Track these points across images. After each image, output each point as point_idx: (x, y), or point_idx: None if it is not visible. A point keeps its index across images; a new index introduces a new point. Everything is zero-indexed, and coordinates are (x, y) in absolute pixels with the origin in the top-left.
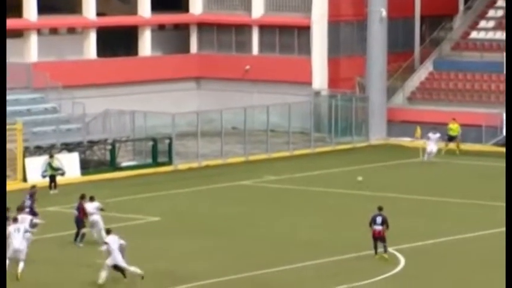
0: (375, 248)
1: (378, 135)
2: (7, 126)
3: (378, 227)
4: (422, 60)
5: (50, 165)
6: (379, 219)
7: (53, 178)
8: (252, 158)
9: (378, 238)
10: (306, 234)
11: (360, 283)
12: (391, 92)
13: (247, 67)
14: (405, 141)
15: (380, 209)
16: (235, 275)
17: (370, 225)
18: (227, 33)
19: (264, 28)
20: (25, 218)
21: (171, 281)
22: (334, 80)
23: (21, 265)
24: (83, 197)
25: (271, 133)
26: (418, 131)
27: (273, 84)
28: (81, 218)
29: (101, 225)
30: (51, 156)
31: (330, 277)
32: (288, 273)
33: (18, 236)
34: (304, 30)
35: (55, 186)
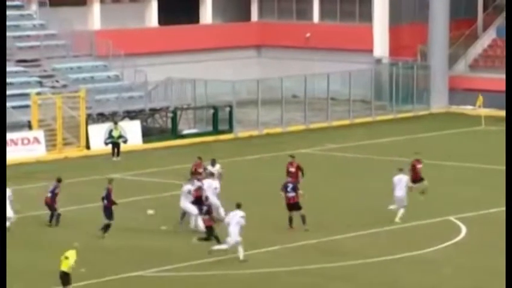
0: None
1: (439, 104)
2: (71, 94)
3: (291, 194)
4: (485, 27)
5: (109, 133)
6: (290, 186)
7: (115, 145)
8: (312, 126)
9: (293, 205)
10: (368, 201)
11: (422, 251)
12: (453, 59)
13: (308, 35)
14: (467, 109)
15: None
16: (301, 242)
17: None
18: (288, 1)
19: None
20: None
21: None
22: (395, 48)
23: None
24: (110, 182)
25: (332, 101)
26: (480, 99)
27: (333, 52)
28: (110, 206)
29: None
30: (116, 123)
31: (391, 245)
32: (355, 240)
33: None
34: None
35: (118, 154)
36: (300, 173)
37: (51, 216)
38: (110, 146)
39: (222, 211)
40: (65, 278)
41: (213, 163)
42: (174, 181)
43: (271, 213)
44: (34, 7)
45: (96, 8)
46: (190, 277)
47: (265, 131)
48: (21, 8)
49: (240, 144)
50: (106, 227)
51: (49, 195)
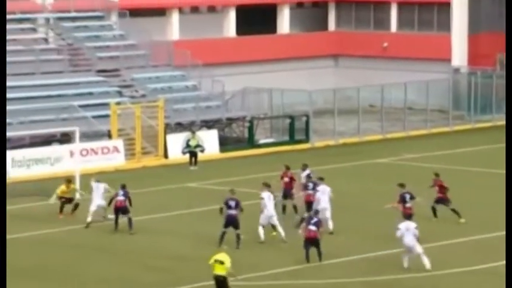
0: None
1: None
2: (149, 104)
3: (313, 228)
4: None
5: (187, 142)
6: (314, 220)
7: (193, 154)
8: (389, 135)
9: (312, 241)
10: (444, 211)
11: (497, 263)
12: None
13: (385, 44)
14: None
15: (316, 212)
16: (373, 253)
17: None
18: (365, 10)
19: (403, 5)
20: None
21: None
22: (474, 57)
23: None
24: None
25: (409, 111)
26: None
27: (411, 61)
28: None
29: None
30: (193, 133)
31: (465, 256)
32: (429, 251)
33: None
34: (444, 6)
35: (195, 163)
36: (294, 184)
37: (116, 221)
38: (187, 155)
39: (330, 223)
40: (224, 282)
41: (304, 168)
42: (250, 190)
43: (348, 223)
44: (114, 18)
45: (175, 18)
46: (266, 286)
47: (341, 141)
48: (101, 19)
49: (317, 154)
50: (237, 237)
51: (121, 198)
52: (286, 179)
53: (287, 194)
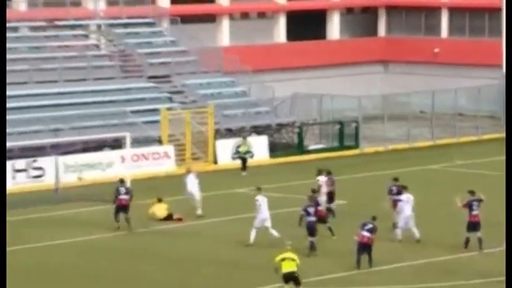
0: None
1: None
2: (199, 109)
3: (367, 234)
4: None
5: (237, 148)
6: (368, 226)
7: (243, 160)
8: (439, 142)
9: (365, 247)
10: (495, 217)
11: None
12: None
13: (436, 50)
14: None
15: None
16: (426, 260)
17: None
18: (416, 16)
19: (454, 11)
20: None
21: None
22: None
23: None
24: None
25: (459, 117)
26: None
27: (461, 67)
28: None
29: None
30: (244, 139)
31: None
32: (483, 258)
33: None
34: (495, 13)
35: (245, 169)
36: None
37: (116, 215)
38: (237, 161)
39: (415, 231)
40: (297, 278)
41: (319, 173)
42: (301, 196)
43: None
44: (165, 24)
45: (225, 24)
46: None
47: (391, 147)
48: (152, 25)
49: (366, 160)
50: (310, 245)
51: (125, 197)
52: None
53: (328, 198)
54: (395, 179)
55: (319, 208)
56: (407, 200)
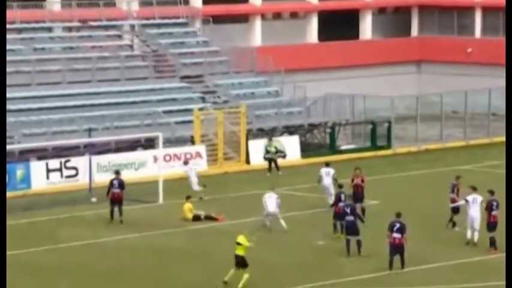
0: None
1: None
2: (232, 110)
3: (342, 204)
4: None
5: (266, 148)
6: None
7: (271, 161)
8: (472, 142)
9: (397, 248)
10: None
11: None
12: None
13: (469, 50)
14: None
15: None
16: (464, 259)
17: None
18: (449, 16)
19: (487, 10)
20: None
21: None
22: None
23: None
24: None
25: (493, 117)
26: None
27: (495, 67)
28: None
29: None
30: (270, 139)
31: None
32: None
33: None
34: None
35: (277, 168)
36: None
37: (112, 212)
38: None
39: (476, 235)
40: (240, 261)
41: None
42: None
43: (431, 230)
44: (198, 24)
45: (257, 24)
46: None
47: (424, 147)
48: (185, 25)
49: (398, 161)
50: (358, 244)
51: (117, 190)
52: (358, 181)
53: (357, 196)
54: (458, 177)
55: (340, 204)
56: (473, 200)
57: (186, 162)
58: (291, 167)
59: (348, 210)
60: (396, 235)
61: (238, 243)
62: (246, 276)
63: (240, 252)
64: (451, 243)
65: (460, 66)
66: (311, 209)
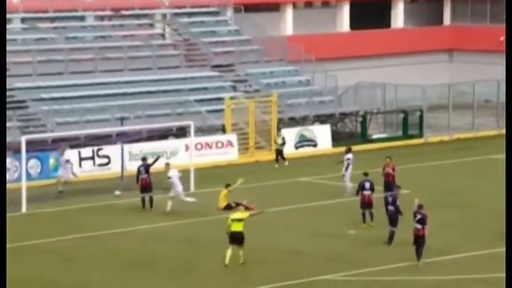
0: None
1: None
2: (263, 99)
3: (367, 192)
4: None
5: (274, 140)
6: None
7: (278, 152)
8: (504, 131)
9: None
10: None
11: None
12: None
13: (502, 38)
14: None
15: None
16: (489, 250)
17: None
18: (481, 4)
19: None
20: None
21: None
22: None
23: None
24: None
25: None
26: None
27: None
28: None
29: None
30: (278, 130)
31: None
32: None
33: None
34: None
35: (283, 159)
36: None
37: (143, 200)
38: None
39: None
40: (239, 238)
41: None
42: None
43: (459, 220)
44: (229, 13)
45: (288, 13)
46: (374, 282)
47: (455, 136)
48: (217, 14)
49: (430, 150)
50: (391, 236)
51: (145, 176)
52: (389, 170)
53: (389, 185)
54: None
55: (365, 193)
56: None
57: (167, 164)
58: (322, 156)
59: (390, 200)
60: (417, 225)
61: (239, 220)
62: (241, 252)
63: (239, 228)
64: (483, 233)
65: (492, 55)
66: (342, 198)
